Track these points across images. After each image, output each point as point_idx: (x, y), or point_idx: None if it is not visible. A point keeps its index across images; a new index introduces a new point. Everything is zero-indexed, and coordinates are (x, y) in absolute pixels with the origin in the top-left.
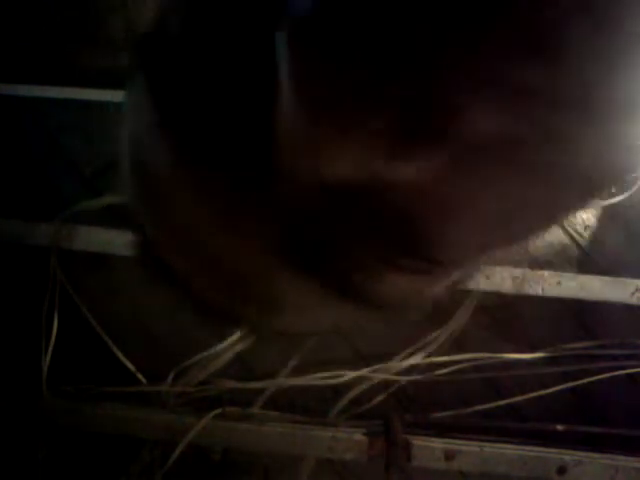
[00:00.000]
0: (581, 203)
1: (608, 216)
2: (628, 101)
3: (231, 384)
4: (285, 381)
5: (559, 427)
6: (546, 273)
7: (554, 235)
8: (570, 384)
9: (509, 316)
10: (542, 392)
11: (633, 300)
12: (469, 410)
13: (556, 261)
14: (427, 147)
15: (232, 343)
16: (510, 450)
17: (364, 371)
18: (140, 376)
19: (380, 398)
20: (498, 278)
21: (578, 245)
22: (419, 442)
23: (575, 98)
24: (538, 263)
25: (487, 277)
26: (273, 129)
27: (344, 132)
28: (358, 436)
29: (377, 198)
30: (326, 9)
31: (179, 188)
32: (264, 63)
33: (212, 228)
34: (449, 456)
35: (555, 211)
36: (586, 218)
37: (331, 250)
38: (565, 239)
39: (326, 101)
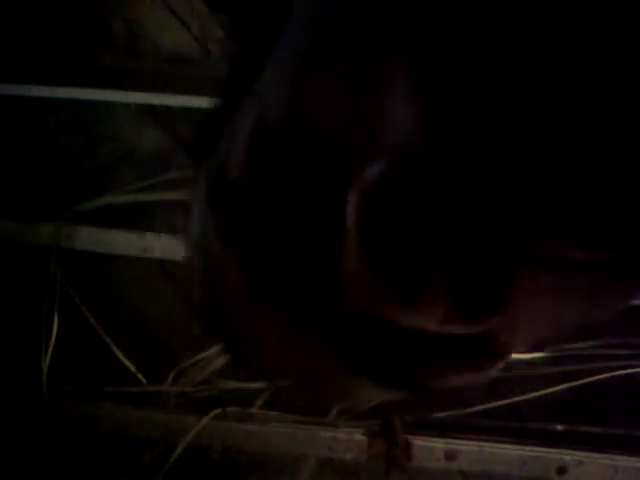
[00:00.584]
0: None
1: None
2: None
3: (231, 384)
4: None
5: (559, 427)
6: None
7: None
8: (570, 384)
9: None
10: (542, 392)
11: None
12: (469, 410)
13: None
14: (491, 317)
15: None
16: (510, 450)
17: None
18: (140, 376)
19: None
20: None
21: None
22: (419, 442)
23: None
24: None
25: None
26: (339, 273)
27: (405, 298)
28: (358, 436)
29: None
30: (400, 179)
31: (253, 317)
32: (331, 209)
33: (284, 351)
34: (449, 456)
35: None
36: None
37: (397, 359)
38: None
39: (388, 267)
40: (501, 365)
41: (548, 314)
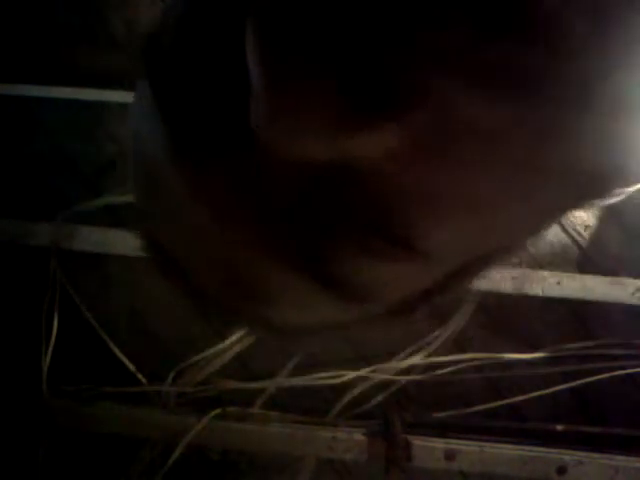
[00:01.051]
0: (580, 203)
1: (608, 216)
2: (628, 99)
3: (231, 384)
4: (285, 381)
5: (559, 427)
6: (546, 273)
7: (554, 235)
8: (570, 384)
9: (509, 316)
10: (542, 392)
11: (633, 300)
12: (469, 410)
13: (556, 261)
14: (389, 119)
15: (232, 343)
16: (510, 450)
17: (364, 371)
18: (140, 376)
19: (380, 398)
20: (498, 278)
21: (578, 245)
22: (419, 442)
23: (574, 94)
24: (538, 263)
25: (487, 277)
26: (250, 112)
27: (304, 102)
28: (358, 436)
29: (349, 179)
30: None
31: (177, 180)
32: (243, 59)
33: (207, 218)
34: (449, 456)
35: (552, 211)
36: (586, 218)
37: (311, 238)
38: (565, 239)
39: (287, 73)
40: (428, 268)
41: (468, 200)
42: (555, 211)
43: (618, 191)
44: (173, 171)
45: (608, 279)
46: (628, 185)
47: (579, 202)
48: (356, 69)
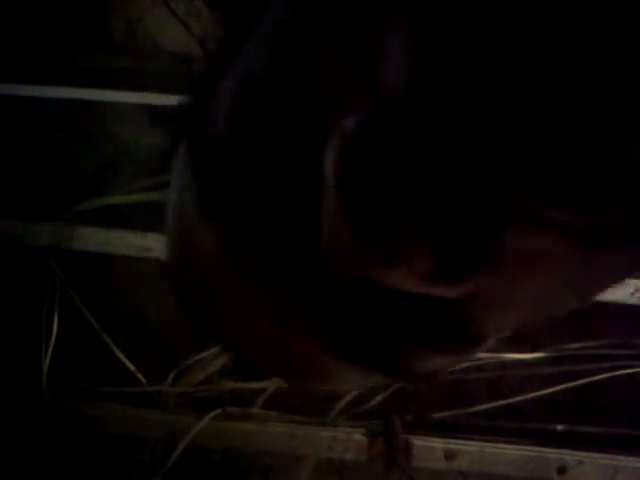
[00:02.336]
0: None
1: None
2: None
3: (231, 384)
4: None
5: (559, 427)
6: None
7: None
8: (570, 384)
9: None
10: (542, 392)
11: (633, 300)
12: (469, 410)
13: None
14: (470, 281)
15: None
16: (510, 450)
17: None
18: (140, 376)
19: (380, 398)
20: None
21: None
22: (419, 442)
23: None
24: None
25: None
26: (320, 230)
27: (389, 258)
28: (358, 436)
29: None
30: (383, 127)
31: (227, 274)
32: (310, 167)
33: (260, 314)
34: (449, 456)
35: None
36: None
37: (377, 340)
38: None
39: (371, 225)
40: (480, 350)
41: (533, 289)
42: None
43: None
44: (223, 264)
45: None
46: None
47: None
48: (446, 232)
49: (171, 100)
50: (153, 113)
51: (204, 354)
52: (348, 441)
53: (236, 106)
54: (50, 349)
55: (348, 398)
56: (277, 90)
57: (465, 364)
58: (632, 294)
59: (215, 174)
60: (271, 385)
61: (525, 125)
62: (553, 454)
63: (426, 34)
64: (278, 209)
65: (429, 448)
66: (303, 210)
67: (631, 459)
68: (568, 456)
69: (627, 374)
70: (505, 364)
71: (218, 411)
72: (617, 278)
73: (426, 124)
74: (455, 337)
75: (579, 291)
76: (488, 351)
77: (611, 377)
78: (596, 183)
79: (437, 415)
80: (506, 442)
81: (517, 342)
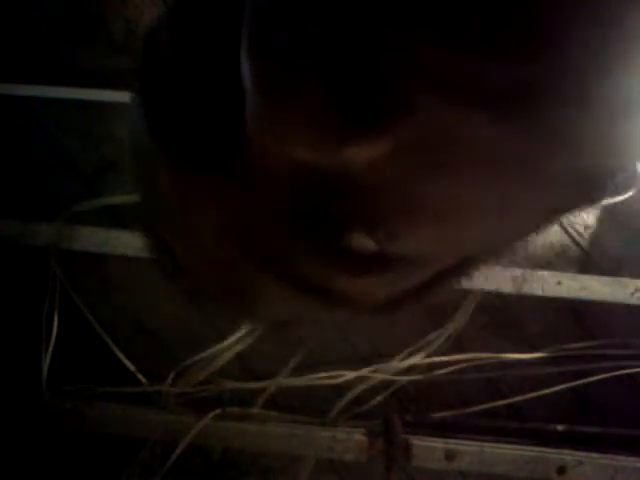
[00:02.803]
0: (580, 204)
1: (608, 216)
2: (627, 99)
3: (231, 384)
4: (285, 381)
5: (559, 427)
6: (546, 273)
7: (554, 235)
8: (570, 384)
9: (509, 316)
10: (542, 392)
11: (633, 300)
12: (469, 410)
13: (556, 261)
14: (377, 132)
15: (232, 343)
16: (510, 450)
17: (364, 371)
18: (140, 376)
19: (380, 398)
20: (498, 278)
21: (578, 245)
22: (419, 442)
23: (572, 96)
24: (538, 263)
25: (487, 277)
26: (244, 119)
27: (298, 113)
28: (358, 436)
29: (335, 184)
30: None
31: (171, 187)
32: (236, 67)
33: (199, 219)
34: (449, 456)
35: (546, 214)
36: (586, 218)
37: (293, 246)
38: (565, 239)
39: (281, 83)
40: (404, 274)
41: (454, 204)
42: (550, 214)
43: (618, 193)
44: (167, 177)
45: (608, 279)
46: (628, 187)
47: (578, 204)
48: (347, 85)
49: None
50: None
51: (204, 354)
52: (348, 441)
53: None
54: (50, 349)
55: (348, 398)
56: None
57: (465, 364)
58: (632, 294)
59: (158, 90)
60: (271, 385)
61: None
62: (553, 454)
63: None
64: (207, 111)
65: (429, 448)
66: (234, 108)
67: (631, 459)
68: (568, 456)
69: (627, 374)
70: (505, 364)
71: (218, 411)
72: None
73: None
74: (365, 230)
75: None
76: (488, 351)
77: (611, 377)
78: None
79: (437, 415)
80: (506, 442)
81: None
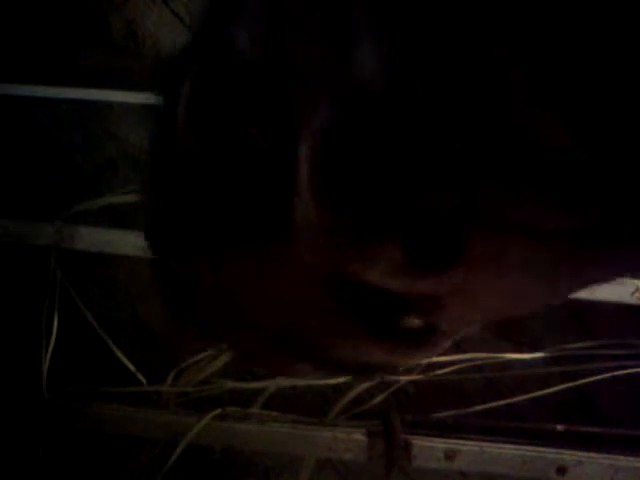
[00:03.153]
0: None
1: None
2: None
3: (231, 384)
4: (285, 381)
5: (559, 427)
6: None
7: None
8: (570, 384)
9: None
10: (542, 392)
11: (633, 300)
12: (469, 410)
13: None
14: (442, 275)
15: None
16: (510, 450)
17: None
18: (140, 376)
19: (380, 398)
20: None
21: None
22: (419, 442)
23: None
24: None
25: None
26: (291, 219)
27: (362, 251)
28: (358, 436)
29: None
30: (357, 120)
31: (201, 270)
32: (281, 156)
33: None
34: (449, 456)
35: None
36: None
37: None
38: None
39: (344, 213)
40: (438, 349)
41: (504, 287)
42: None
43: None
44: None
45: None
46: None
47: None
48: (418, 229)
49: None
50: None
51: (204, 354)
52: (348, 441)
53: (195, 94)
54: (50, 349)
55: (348, 398)
56: (244, 76)
57: (465, 364)
58: (632, 294)
59: (175, 168)
60: (271, 385)
61: (495, 126)
62: (553, 454)
63: (398, 28)
64: (245, 203)
65: (429, 448)
66: (270, 205)
67: (631, 459)
68: (568, 456)
69: (627, 374)
70: (505, 364)
71: (218, 411)
72: (587, 281)
73: (398, 119)
74: (409, 332)
75: (555, 289)
76: (488, 351)
77: (611, 377)
78: (574, 183)
79: (437, 415)
80: (506, 442)
81: (500, 337)
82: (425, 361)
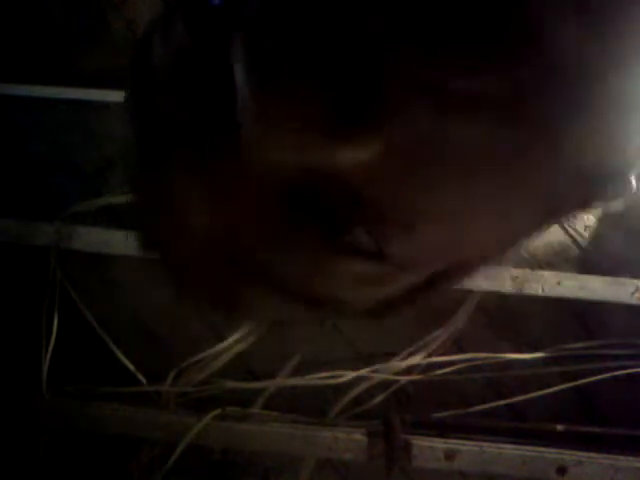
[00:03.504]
0: (580, 206)
1: (608, 216)
2: (625, 100)
3: (231, 384)
4: (285, 381)
5: (559, 427)
6: (546, 273)
7: (554, 235)
8: (570, 384)
9: (509, 316)
10: (542, 392)
11: (633, 300)
12: (469, 410)
13: (556, 261)
14: (363, 132)
15: (232, 343)
16: (510, 450)
17: (364, 371)
18: (140, 376)
19: (380, 398)
20: (498, 278)
21: (578, 245)
22: (419, 442)
23: (568, 97)
24: (538, 263)
25: (487, 277)
26: (237, 117)
27: (291, 113)
28: (358, 436)
29: (327, 184)
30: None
31: (171, 176)
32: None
33: (199, 207)
34: (449, 456)
35: (550, 214)
36: (586, 218)
37: (283, 249)
38: (565, 239)
39: (272, 82)
40: (398, 276)
41: (446, 207)
42: (549, 216)
43: (617, 196)
44: (166, 166)
45: (608, 279)
46: (626, 190)
47: (578, 207)
48: (338, 92)
49: None
50: None
51: (204, 354)
52: (348, 441)
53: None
54: (50, 349)
55: (348, 398)
56: None
57: (465, 364)
58: (632, 294)
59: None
60: (271, 385)
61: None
62: (553, 454)
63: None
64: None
65: (429, 448)
66: (216, 108)
67: (631, 459)
68: (568, 456)
69: (627, 374)
70: (505, 364)
71: (218, 411)
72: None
73: None
74: (360, 250)
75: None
76: (488, 351)
77: (611, 377)
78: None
79: (437, 415)
80: (506, 442)
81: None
82: (425, 361)
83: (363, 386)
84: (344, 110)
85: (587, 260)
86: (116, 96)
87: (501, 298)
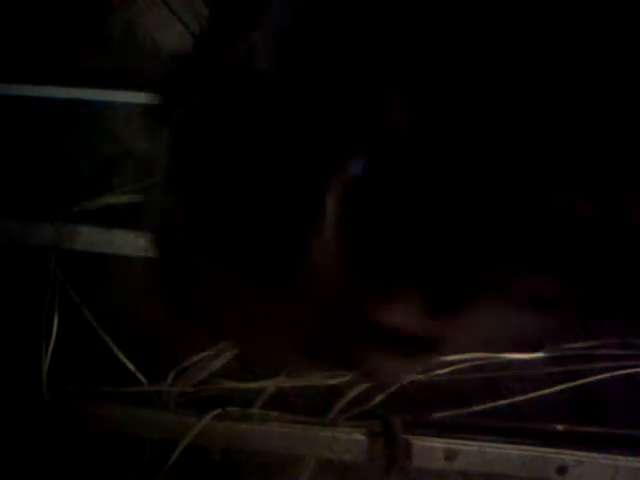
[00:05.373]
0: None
1: None
2: None
3: (231, 384)
4: (285, 381)
5: (559, 427)
6: None
7: None
8: (570, 384)
9: None
10: (542, 392)
11: None
12: (469, 410)
13: None
14: (450, 317)
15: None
16: (510, 450)
17: None
18: (140, 376)
19: (380, 398)
20: None
21: None
22: (419, 442)
23: None
24: None
25: None
26: (309, 255)
27: (384, 298)
28: (358, 436)
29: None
30: (378, 182)
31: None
32: (304, 194)
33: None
34: (449, 456)
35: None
36: None
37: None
38: None
39: (366, 269)
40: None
41: (494, 323)
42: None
43: None
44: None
45: None
46: None
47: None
48: (434, 285)
49: None
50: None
51: (204, 354)
52: (348, 441)
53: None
54: (50, 349)
55: (348, 398)
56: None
57: (465, 364)
58: None
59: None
60: (271, 385)
61: (512, 191)
62: (553, 454)
63: (425, 82)
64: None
65: (429, 448)
66: (294, 237)
67: (631, 459)
68: (568, 456)
69: (627, 374)
70: (505, 364)
71: (218, 411)
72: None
73: (421, 179)
74: (414, 344)
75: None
76: (488, 351)
77: (611, 377)
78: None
79: (437, 415)
80: (506, 442)
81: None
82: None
83: (363, 386)
84: (439, 302)
85: None
86: (117, 96)
87: None
